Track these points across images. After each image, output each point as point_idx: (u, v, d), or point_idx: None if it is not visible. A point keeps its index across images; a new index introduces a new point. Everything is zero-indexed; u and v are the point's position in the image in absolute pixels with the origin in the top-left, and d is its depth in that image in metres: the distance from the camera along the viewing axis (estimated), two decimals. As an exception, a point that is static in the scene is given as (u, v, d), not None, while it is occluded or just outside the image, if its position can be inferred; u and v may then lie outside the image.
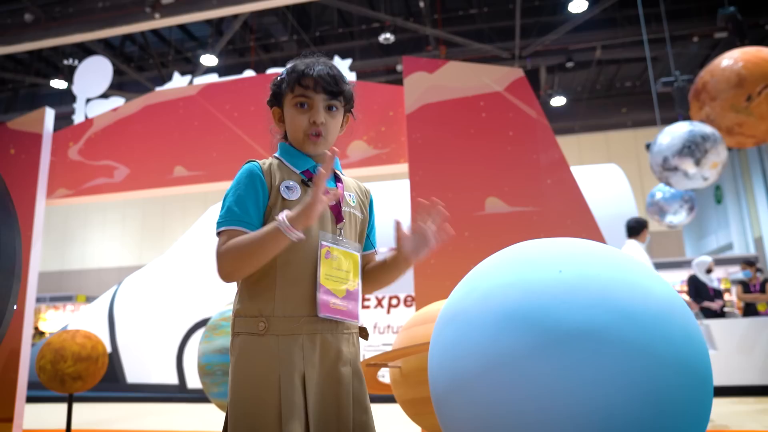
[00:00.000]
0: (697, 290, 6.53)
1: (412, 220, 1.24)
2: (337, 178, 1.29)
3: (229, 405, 1.13)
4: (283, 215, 1.07)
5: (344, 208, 1.25)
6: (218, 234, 1.15)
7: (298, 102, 1.22)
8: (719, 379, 5.35)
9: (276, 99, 1.29)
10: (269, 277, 1.15)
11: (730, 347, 5.58)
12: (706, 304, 6.38)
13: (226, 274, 1.12)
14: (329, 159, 1.09)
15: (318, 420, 1.11)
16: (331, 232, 1.20)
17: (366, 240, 1.33)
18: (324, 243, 1.17)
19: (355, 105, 1.33)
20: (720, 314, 6.28)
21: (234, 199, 1.15)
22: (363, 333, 1.27)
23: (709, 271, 6.62)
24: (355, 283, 1.22)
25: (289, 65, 1.27)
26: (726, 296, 9.68)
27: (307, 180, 1.22)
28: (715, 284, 6.60)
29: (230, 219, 1.14)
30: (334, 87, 1.21)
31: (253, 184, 1.16)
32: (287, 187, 1.18)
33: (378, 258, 1.34)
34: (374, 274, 1.32)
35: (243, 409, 1.10)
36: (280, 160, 1.24)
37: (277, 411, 1.07)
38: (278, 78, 1.28)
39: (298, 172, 1.22)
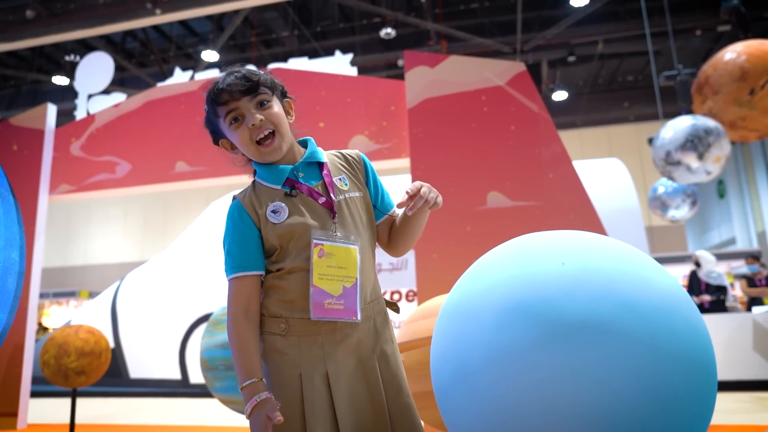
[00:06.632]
0: (690, 285, 6.54)
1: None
2: (321, 167, 1.24)
3: None
4: (258, 399, 1.07)
5: (338, 198, 1.20)
6: (228, 280, 1.19)
7: (230, 120, 1.18)
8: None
9: (216, 134, 1.25)
10: (288, 279, 1.16)
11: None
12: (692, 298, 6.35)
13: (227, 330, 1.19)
14: None
15: (349, 415, 1.11)
16: (328, 227, 1.17)
17: (375, 210, 1.28)
18: (316, 241, 1.15)
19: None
20: (707, 309, 6.23)
21: (229, 244, 1.18)
22: (391, 306, 1.26)
23: (696, 264, 6.59)
24: (353, 279, 1.18)
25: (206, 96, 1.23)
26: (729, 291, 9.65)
27: (290, 190, 1.19)
28: (712, 279, 6.53)
29: (232, 266, 1.17)
30: (247, 83, 1.17)
31: (238, 227, 1.18)
32: (273, 212, 1.17)
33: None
34: (400, 230, 1.27)
35: None
36: (259, 183, 1.22)
37: (301, 411, 1.09)
38: (205, 116, 1.24)
39: (278, 187, 1.19)
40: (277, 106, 1.20)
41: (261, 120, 1.16)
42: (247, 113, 1.16)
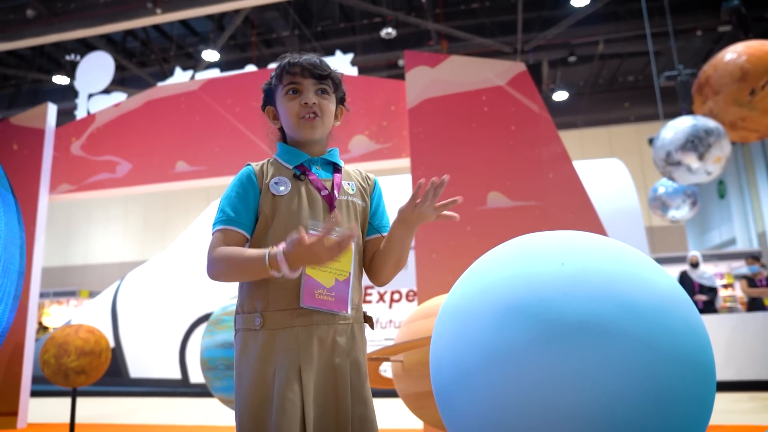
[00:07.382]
0: (682, 286, 6.55)
1: (412, 197, 1.19)
2: (335, 169, 1.30)
3: (235, 400, 1.15)
4: (278, 249, 1.07)
5: (341, 197, 1.25)
6: (212, 233, 1.21)
7: (289, 90, 1.25)
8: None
9: (268, 98, 1.32)
10: None
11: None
12: None
13: (211, 277, 1.18)
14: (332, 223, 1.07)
15: (316, 412, 1.11)
16: (322, 219, 1.20)
17: (369, 226, 1.30)
18: (312, 232, 1.14)
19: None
20: (700, 310, 6.23)
21: (227, 201, 1.22)
22: (368, 322, 1.26)
23: (694, 265, 6.57)
24: (347, 273, 1.20)
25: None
26: (729, 291, 9.65)
27: (300, 174, 1.23)
28: (704, 280, 6.51)
29: (222, 220, 1.19)
30: (320, 70, 1.25)
31: (244, 185, 1.21)
32: (276, 183, 1.21)
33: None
34: (381, 254, 1.26)
35: (245, 404, 1.12)
36: (275, 160, 1.28)
37: (271, 410, 1.09)
38: (267, 81, 1.32)
39: (291, 167, 1.25)
40: (332, 104, 1.29)
41: (314, 103, 1.24)
42: (306, 91, 1.24)
